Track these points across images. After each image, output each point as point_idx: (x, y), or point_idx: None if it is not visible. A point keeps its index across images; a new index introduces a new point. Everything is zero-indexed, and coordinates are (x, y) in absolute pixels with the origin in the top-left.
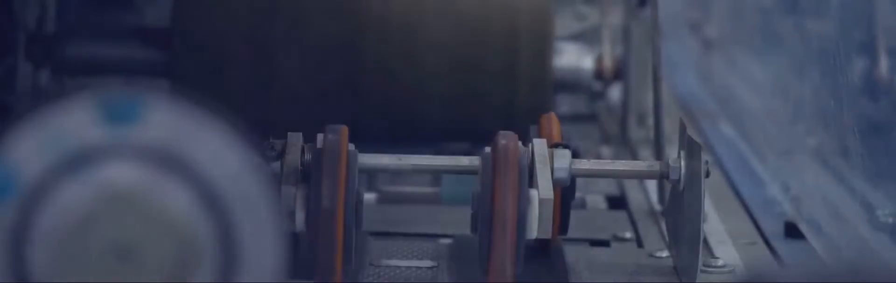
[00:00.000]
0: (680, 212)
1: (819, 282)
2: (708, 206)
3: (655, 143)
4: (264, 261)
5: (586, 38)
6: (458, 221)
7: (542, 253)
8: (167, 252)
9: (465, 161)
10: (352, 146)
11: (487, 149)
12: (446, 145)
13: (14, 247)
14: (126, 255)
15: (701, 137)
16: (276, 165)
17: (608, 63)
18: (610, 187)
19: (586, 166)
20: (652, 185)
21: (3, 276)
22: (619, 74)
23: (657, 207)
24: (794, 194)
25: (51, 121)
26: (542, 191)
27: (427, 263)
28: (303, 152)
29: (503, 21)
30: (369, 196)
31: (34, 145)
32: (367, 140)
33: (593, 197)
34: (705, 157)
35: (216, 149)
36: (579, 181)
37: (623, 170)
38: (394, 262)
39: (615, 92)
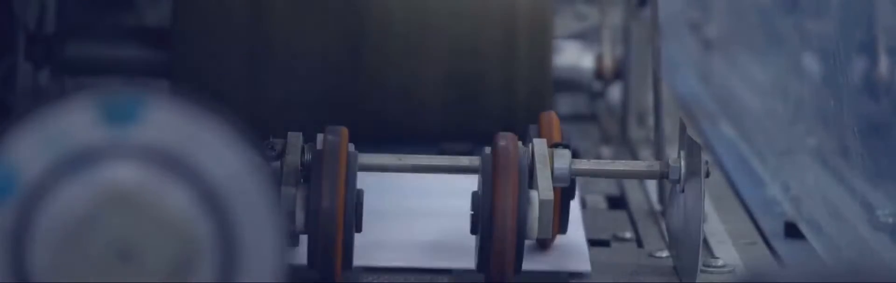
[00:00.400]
0: (680, 212)
1: (819, 282)
2: (708, 206)
3: (655, 143)
4: (264, 261)
5: (586, 38)
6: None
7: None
8: (167, 252)
9: (465, 161)
10: (352, 147)
11: (487, 149)
12: (446, 145)
13: (14, 247)
14: (126, 255)
15: (701, 137)
16: (276, 165)
17: (608, 62)
18: (610, 187)
19: (586, 166)
20: (652, 185)
21: (3, 276)
22: (620, 73)
23: (657, 207)
24: (794, 194)
25: (51, 121)
26: (542, 191)
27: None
28: (303, 152)
29: (503, 21)
30: None
31: (34, 145)
32: (367, 140)
33: (593, 197)
34: (705, 157)
35: (216, 149)
36: (579, 181)
37: (623, 170)
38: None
39: (615, 92)
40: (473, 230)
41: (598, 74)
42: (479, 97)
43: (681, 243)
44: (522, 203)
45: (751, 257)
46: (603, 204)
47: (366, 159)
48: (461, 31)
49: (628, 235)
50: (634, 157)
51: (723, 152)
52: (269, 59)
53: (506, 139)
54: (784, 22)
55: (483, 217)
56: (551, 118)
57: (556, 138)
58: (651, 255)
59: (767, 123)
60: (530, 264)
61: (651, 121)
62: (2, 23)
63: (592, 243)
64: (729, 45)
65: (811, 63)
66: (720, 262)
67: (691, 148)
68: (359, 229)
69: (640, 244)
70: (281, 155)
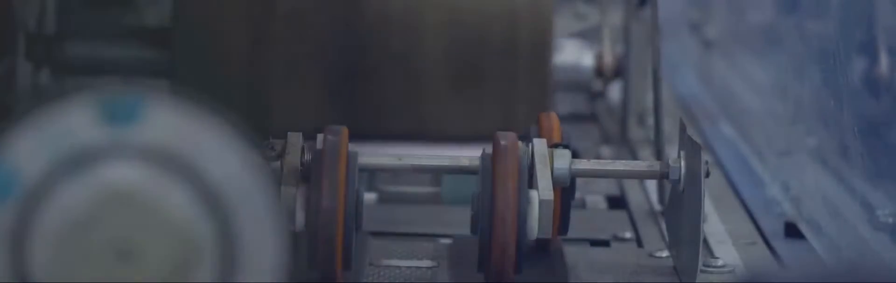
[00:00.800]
0: (680, 212)
1: (819, 282)
2: (708, 206)
3: (655, 143)
4: (264, 261)
5: (586, 37)
6: (458, 221)
7: (542, 253)
8: (167, 252)
9: (465, 161)
10: (352, 146)
11: (487, 149)
12: (446, 144)
13: (14, 247)
14: (126, 255)
15: (701, 137)
16: (276, 165)
17: (609, 60)
18: (610, 187)
19: (586, 166)
20: (652, 185)
21: (3, 276)
22: (620, 71)
23: (657, 207)
24: (794, 194)
25: (51, 121)
26: (542, 191)
27: (427, 263)
28: (303, 152)
29: (503, 21)
30: (369, 196)
31: (34, 145)
32: (367, 140)
33: (593, 197)
34: (705, 157)
35: (216, 149)
36: (579, 181)
37: (623, 170)
38: (394, 262)
39: (615, 92)
40: (473, 230)
41: (599, 71)
42: (478, 97)
43: (681, 243)
44: (522, 203)
45: (751, 257)
46: (603, 204)
47: (366, 158)
48: (461, 31)
49: (628, 235)
50: (634, 157)
51: (723, 152)
52: (268, 59)
53: (506, 138)
54: (784, 22)
55: (483, 217)
56: (551, 118)
57: (556, 139)
58: (651, 255)
59: (767, 123)
60: None
61: (651, 121)
62: (2, 23)
63: (592, 243)
64: (729, 45)
65: (811, 63)
66: (720, 262)
67: (691, 148)
68: (359, 229)
69: (640, 244)
70: (281, 155)
